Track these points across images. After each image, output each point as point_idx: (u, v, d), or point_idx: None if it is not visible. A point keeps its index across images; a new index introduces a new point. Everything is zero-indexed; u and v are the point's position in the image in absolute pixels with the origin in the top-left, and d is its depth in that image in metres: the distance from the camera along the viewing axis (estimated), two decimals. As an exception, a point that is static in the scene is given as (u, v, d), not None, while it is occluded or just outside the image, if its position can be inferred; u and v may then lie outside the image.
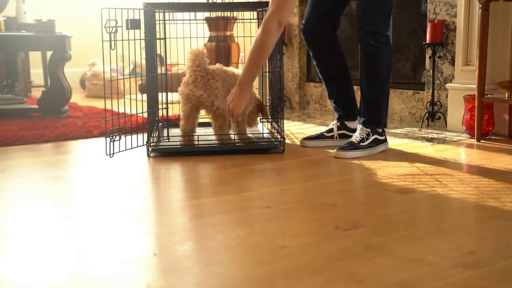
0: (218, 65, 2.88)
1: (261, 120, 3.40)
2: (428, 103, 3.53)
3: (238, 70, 2.96)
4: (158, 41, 2.89)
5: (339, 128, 3.03)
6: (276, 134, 3.01)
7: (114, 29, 2.53)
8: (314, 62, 3.06)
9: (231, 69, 2.95)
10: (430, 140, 3.12)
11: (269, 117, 3.10)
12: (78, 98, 5.26)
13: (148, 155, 2.77)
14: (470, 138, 3.16)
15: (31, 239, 1.69)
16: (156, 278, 1.40)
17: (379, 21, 2.75)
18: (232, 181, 2.35)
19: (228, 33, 4.49)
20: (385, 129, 2.91)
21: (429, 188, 2.16)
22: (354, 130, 2.98)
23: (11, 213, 1.93)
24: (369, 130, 2.79)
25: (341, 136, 3.02)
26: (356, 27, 2.80)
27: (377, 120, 2.81)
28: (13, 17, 5.34)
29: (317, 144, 3.01)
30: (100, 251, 1.58)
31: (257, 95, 3.04)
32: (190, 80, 2.75)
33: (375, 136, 2.79)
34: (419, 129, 3.45)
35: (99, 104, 4.71)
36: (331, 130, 3.04)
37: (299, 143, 3.06)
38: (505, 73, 3.27)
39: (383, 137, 2.84)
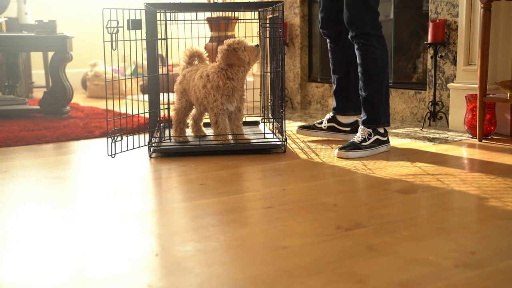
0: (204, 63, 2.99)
1: (263, 120, 3.40)
2: (430, 103, 3.53)
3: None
4: (159, 41, 2.89)
5: (329, 121, 3.16)
6: (277, 134, 3.01)
7: (116, 29, 2.53)
8: (329, 53, 3.14)
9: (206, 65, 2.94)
10: (432, 140, 3.12)
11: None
12: (79, 99, 5.27)
13: (150, 156, 2.77)
14: (472, 138, 3.15)
15: (32, 239, 1.69)
16: (158, 278, 1.40)
17: (366, 24, 2.77)
18: (233, 181, 2.35)
19: (229, 33, 4.49)
20: (387, 129, 2.91)
21: (431, 188, 2.16)
22: (344, 125, 3.12)
23: (12, 214, 1.93)
24: (370, 130, 2.79)
25: (331, 129, 3.15)
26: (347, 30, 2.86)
27: (375, 118, 2.82)
28: (15, 17, 5.34)
29: (307, 133, 3.19)
30: (102, 251, 1.58)
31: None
32: None
33: (377, 136, 2.79)
34: (421, 129, 3.45)
35: (100, 104, 4.71)
36: (322, 122, 3.18)
37: (300, 143, 3.06)
38: (506, 72, 3.26)
39: (385, 138, 2.84)
